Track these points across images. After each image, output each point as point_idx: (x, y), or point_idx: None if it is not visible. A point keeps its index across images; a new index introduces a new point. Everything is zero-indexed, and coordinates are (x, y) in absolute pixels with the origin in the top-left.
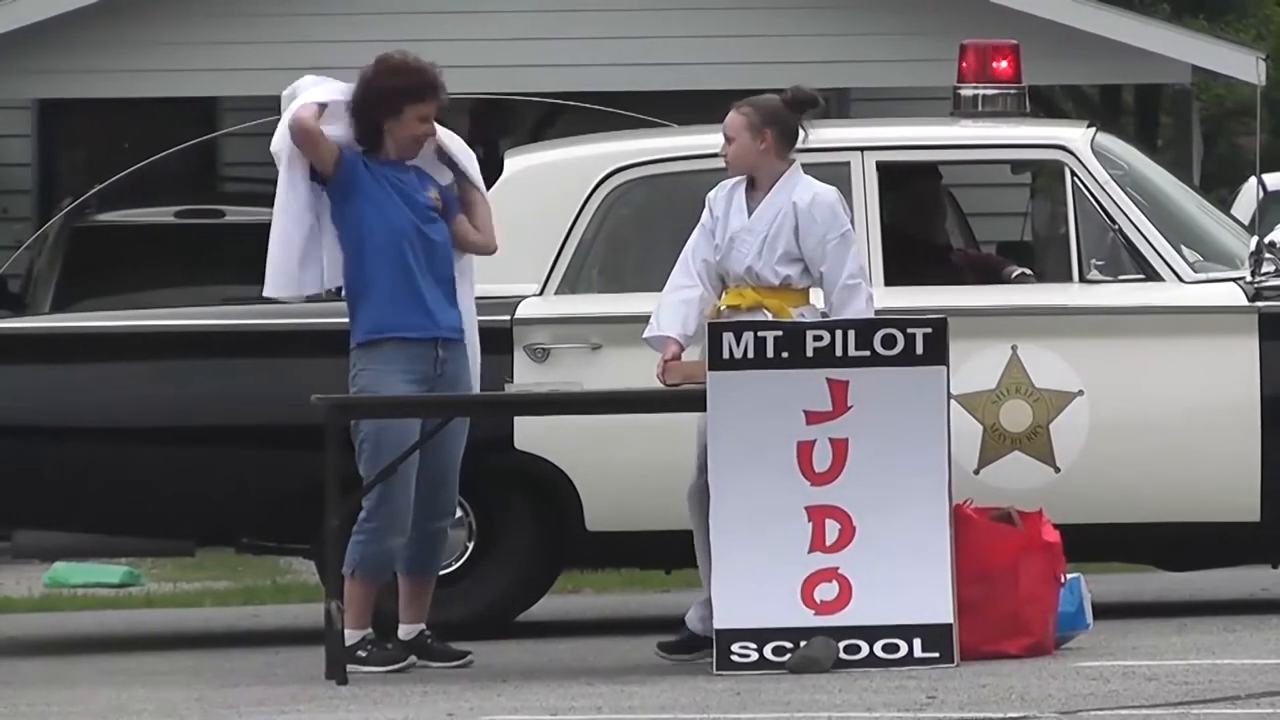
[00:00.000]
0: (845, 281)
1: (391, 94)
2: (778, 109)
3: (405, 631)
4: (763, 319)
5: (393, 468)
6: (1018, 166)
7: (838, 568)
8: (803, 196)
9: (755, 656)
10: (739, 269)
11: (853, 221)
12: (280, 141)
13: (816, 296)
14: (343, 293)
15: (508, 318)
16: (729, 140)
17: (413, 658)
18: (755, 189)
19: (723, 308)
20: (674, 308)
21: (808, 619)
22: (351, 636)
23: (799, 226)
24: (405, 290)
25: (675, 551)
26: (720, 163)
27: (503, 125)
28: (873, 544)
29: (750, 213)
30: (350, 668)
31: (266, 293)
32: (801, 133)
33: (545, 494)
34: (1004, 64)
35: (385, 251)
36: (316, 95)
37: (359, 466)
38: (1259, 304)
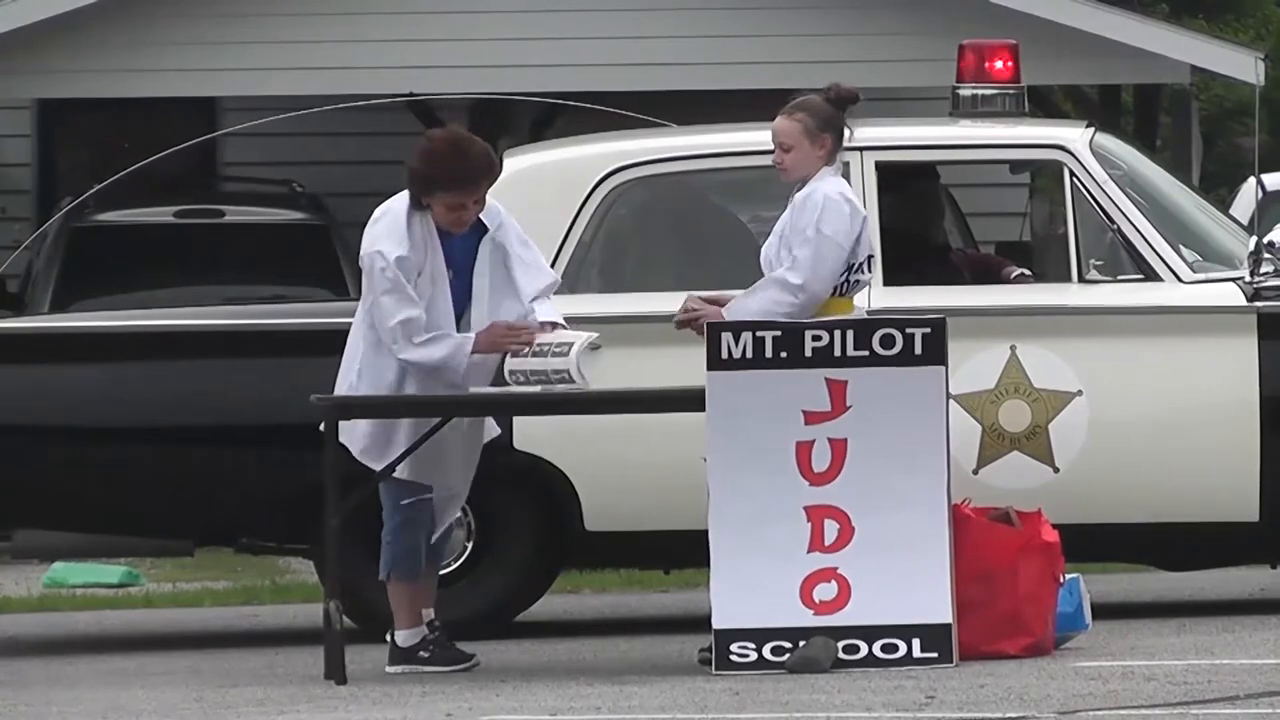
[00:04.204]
0: (784, 265)
1: (423, 180)
2: (829, 111)
3: (414, 635)
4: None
5: (391, 468)
6: (1017, 166)
7: (837, 568)
8: (805, 192)
9: (754, 656)
10: (769, 269)
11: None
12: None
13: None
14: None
15: None
16: (786, 149)
17: (478, 656)
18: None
19: None
20: None
21: (807, 619)
22: (408, 638)
23: (791, 221)
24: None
25: (674, 551)
26: (721, 163)
27: (503, 125)
28: (872, 544)
29: None
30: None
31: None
32: (847, 132)
33: (545, 494)
34: (1003, 64)
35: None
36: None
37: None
38: (1258, 304)
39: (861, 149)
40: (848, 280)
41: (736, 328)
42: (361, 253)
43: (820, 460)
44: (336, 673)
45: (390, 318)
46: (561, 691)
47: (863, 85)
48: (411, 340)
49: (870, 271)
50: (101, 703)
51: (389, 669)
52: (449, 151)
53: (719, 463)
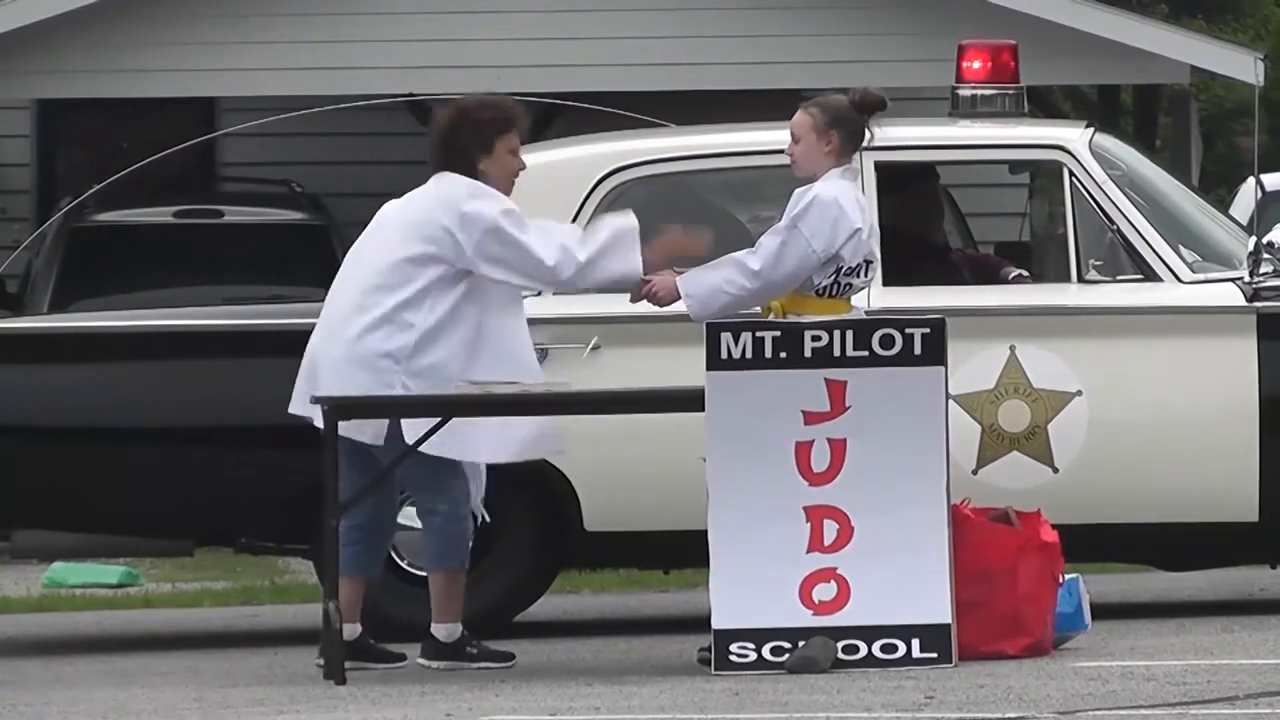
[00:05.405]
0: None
1: (481, 130)
2: (845, 110)
3: (349, 632)
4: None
5: (391, 470)
6: (1016, 167)
7: (836, 568)
8: (805, 188)
9: (754, 657)
10: None
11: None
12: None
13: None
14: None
15: None
16: (795, 140)
17: (513, 656)
18: None
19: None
20: None
21: (806, 619)
22: (450, 632)
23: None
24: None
25: (674, 551)
26: (721, 163)
27: None
28: (871, 544)
29: None
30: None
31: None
32: (868, 134)
33: (544, 494)
34: (1002, 64)
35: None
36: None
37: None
38: (1257, 304)
39: (861, 149)
40: (837, 282)
41: (736, 328)
42: (481, 223)
43: (819, 460)
44: (336, 673)
45: (545, 251)
46: (561, 691)
47: (863, 85)
48: (579, 258)
49: (868, 276)
50: (101, 703)
51: (432, 665)
52: (485, 99)
53: (718, 463)
